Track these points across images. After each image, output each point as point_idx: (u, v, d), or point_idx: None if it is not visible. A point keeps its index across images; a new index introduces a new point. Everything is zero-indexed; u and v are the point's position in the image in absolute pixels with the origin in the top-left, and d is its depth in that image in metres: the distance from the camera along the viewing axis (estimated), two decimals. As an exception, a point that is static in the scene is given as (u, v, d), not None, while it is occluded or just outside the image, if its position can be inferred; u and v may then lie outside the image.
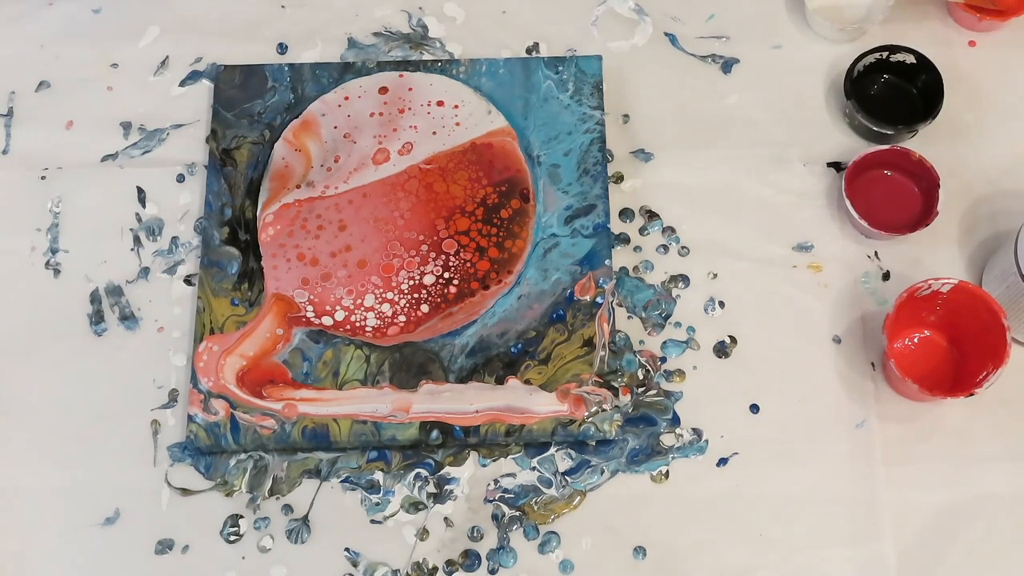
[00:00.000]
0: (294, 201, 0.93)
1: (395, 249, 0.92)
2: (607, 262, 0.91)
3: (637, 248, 0.94)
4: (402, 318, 0.90)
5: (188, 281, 0.93)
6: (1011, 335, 0.83)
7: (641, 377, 0.90)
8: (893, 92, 0.98)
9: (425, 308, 0.90)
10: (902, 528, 0.85)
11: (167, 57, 1.01)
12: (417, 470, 0.87)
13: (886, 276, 0.93)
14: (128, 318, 0.92)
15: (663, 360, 0.91)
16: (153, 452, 0.88)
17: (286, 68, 0.98)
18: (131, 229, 0.95)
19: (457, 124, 0.96)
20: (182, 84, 1.01)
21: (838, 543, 0.85)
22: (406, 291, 0.90)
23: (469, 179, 0.94)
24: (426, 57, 1.01)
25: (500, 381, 0.88)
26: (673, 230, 0.95)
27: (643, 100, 0.99)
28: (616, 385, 0.88)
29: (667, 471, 0.87)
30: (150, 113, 0.99)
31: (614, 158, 0.97)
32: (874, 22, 1.00)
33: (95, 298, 0.93)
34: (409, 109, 0.97)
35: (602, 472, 0.87)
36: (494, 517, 0.86)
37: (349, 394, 0.87)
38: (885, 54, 0.97)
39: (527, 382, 0.88)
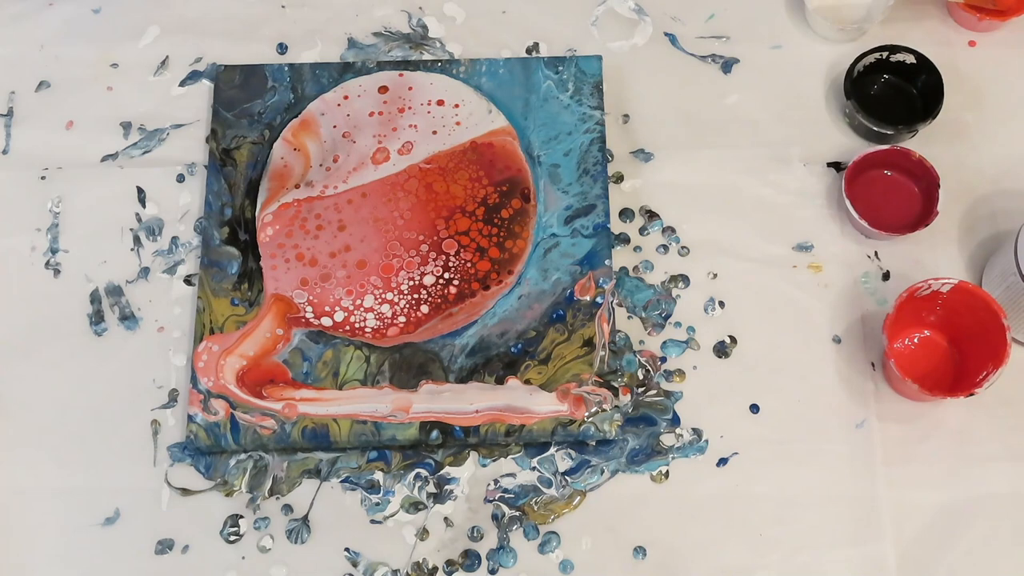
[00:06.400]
0: (293, 201, 0.93)
1: (395, 249, 0.92)
2: (607, 262, 0.91)
3: (637, 248, 0.94)
4: (402, 319, 0.90)
5: (188, 281, 0.93)
6: (1011, 335, 0.83)
7: (641, 377, 0.90)
8: (893, 92, 0.98)
9: (425, 309, 0.90)
10: (902, 528, 0.85)
11: (167, 57, 1.01)
12: (417, 470, 0.88)
13: (886, 276, 0.93)
14: (128, 318, 0.92)
15: (663, 360, 0.91)
16: (153, 452, 0.88)
17: (286, 68, 0.98)
18: (131, 229, 0.95)
19: (457, 123, 0.96)
20: (182, 84, 1.01)
21: (838, 543, 0.85)
22: (406, 292, 0.90)
23: (470, 179, 0.94)
24: (426, 57, 1.01)
25: (500, 381, 0.88)
26: (673, 230, 0.95)
27: (643, 100, 0.99)
28: (616, 385, 0.88)
29: (667, 471, 0.87)
30: (150, 113, 0.99)
31: (614, 158, 0.97)
32: (874, 22, 1.00)
33: (95, 298, 0.93)
34: (409, 108, 0.97)
35: (602, 472, 0.87)
36: (494, 517, 0.87)
37: (349, 394, 0.87)
38: (885, 54, 0.97)
39: (527, 382, 0.88)
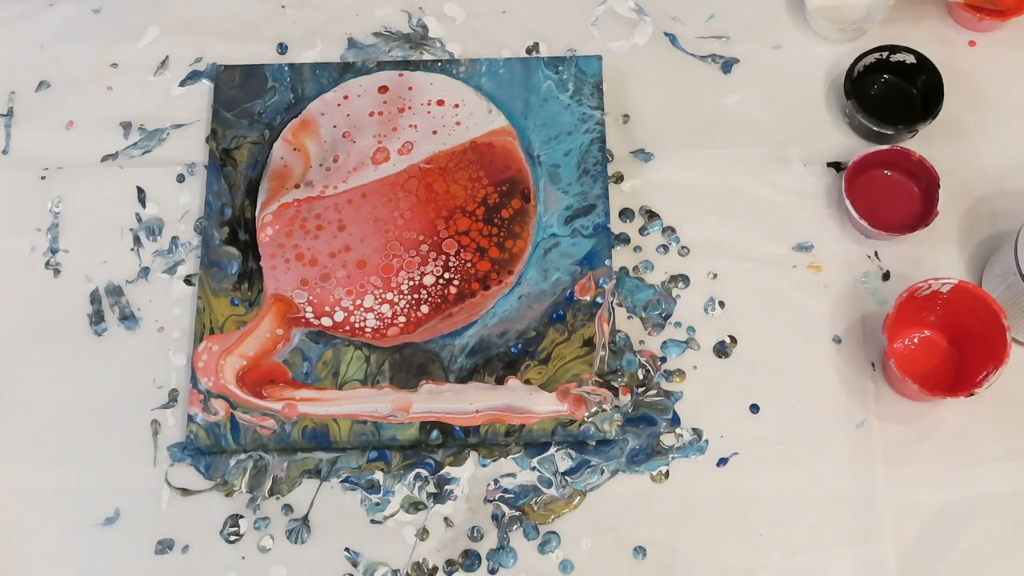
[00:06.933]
0: (293, 201, 0.93)
1: (395, 249, 0.92)
2: (607, 262, 0.91)
3: (637, 248, 0.94)
4: (402, 319, 0.90)
5: (188, 281, 0.93)
6: (1011, 335, 0.83)
7: (641, 377, 0.90)
8: (893, 92, 0.98)
9: (425, 309, 0.90)
10: (902, 528, 0.85)
11: (167, 57, 1.01)
12: (417, 470, 0.88)
13: (886, 276, 0.93)
14: (128, 318, 0.92)
15: (663, 360, 0.91)
16: (153, 452, 0.88)
17: (286, 68, 0.98)
18: (131, 229, 0.95)
19: (457, 123, 0.96)
20: (182, 84, 1.01)
21: (838, 543, 0.85)
22: (406, 292, 0.90)
23: (470, 179, 0.94)
24: (426, 57, 1.01)
25: (500, 381, 0.88)
26: (673, 230, 0.95)
27: (643, 100, 0.99)
28: (616, 385, 0.88)
29: (667, 471, 0.87)
30: (150, 113, 0.99)
31: (614, 158, 0.97)
32: (874, 22, 1.00)
33: (95, 298, 0.93)
34: (409, 108, 0.97)
35: (602, 472, 0.87)
36: (494, 517, 0.87)
37: (349, 394, 0.87)
38: (885, 54, 0.97)
39: (527, 382, 0.88)
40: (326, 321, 0.90)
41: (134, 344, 0.92)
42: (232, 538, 0.86)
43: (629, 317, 0.92)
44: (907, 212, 0.94)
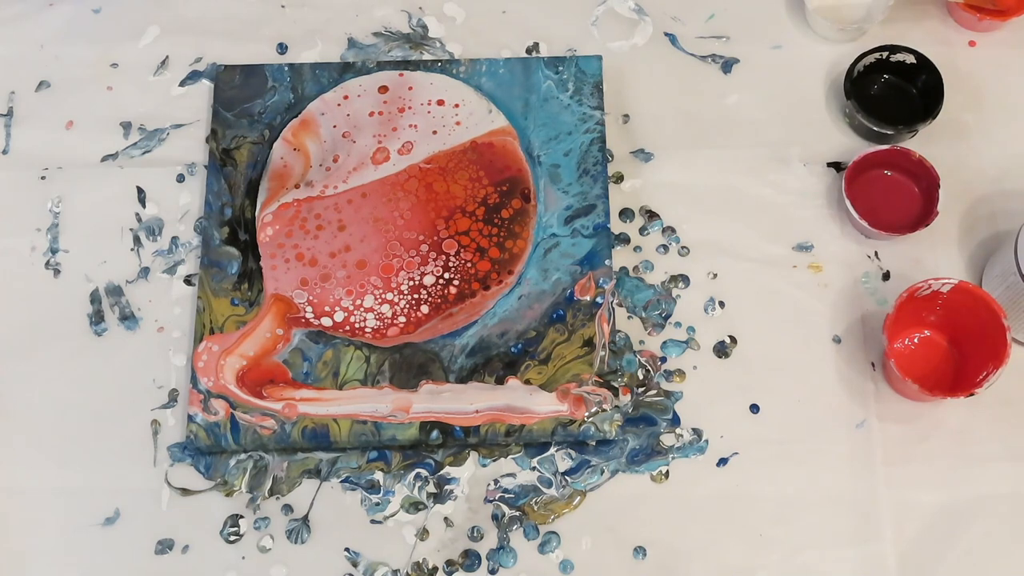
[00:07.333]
0: (293, 201, 0.93)
1: (395, 249, 0.92)
2: (607, 262, 0.91)
3: (637, 248, 0.94)
4: (402, 319, 0.90)
5: (188, 281, 0.93)
6: (1011, 335, 0.83)
7: (641, 377, 0.90)
8: (893, 92, 0.98)
9: (425, 309, 0.90)
10: (902, 528, 0.85)
11: (167, 57, 1.01)
12: (417, 470, 0.88)
13: (886, 276, 0.93)
14: (128, 318, 0.92)
15: (663, 360, 0.91)
16: (153, 452, 0.88)
17: (286, 68, 0.98)
18: (131, 229, 0.95)
19: (457, 123, 0.96)
20: (182, 84, 1.01)
21: (838, 543, 0.85)
22: (406, 292, 0.90)
23: (470, 179, 0.94)
24: (426, 57, 1.01)
25: (500, 381, 0.88)
26: (673, 230, 0.95)
27: (643, 100, 0.99)
28: (616, 385, 0.88)
29: (667, 471, 0.87)
30: (150, 113, 0.99)
31: (614, 158, 0.97)
32: (874, 22, 1.00)
33: (95, 298, 0.93)
34: (409, 108, 0.97)
35: (602, 472, 0.87)
36: (494, 517, 0.87)
37: (349, 394, 0.87)
38: (885, 54, 0.97)
39: (527, 382, 0.88)
40: (326, 321, 0.90)
41: (134, 344, 0.92)
42: (232, 538, 0.86)
43: (629, 317, 0.92)
44: (907, 212, 0.94)
